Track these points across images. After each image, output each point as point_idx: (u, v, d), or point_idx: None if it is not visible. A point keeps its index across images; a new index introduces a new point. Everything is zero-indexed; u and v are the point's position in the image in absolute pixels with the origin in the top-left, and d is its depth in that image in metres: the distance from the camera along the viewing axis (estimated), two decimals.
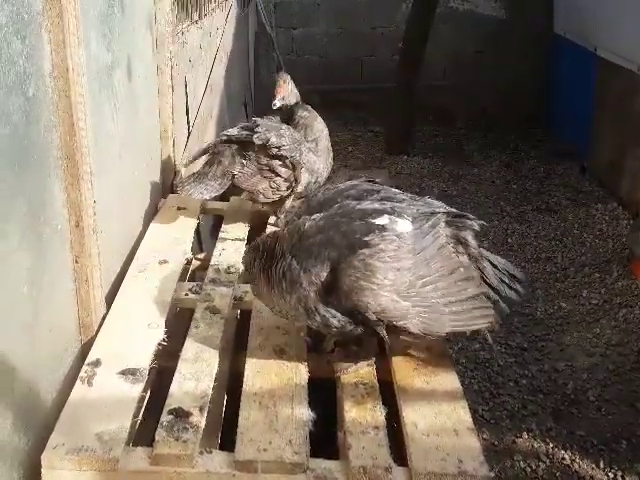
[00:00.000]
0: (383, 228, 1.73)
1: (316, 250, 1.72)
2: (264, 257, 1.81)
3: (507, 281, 1.89)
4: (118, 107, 2.33)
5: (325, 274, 1.71)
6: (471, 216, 1.94)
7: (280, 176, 2.68)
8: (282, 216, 2.80)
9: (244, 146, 2.68)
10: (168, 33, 3.01)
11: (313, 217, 1.82)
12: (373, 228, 1.73)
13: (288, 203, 2.79)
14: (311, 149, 2.80)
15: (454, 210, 1.93)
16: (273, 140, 2.65)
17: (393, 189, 1.97)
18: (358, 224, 1.75)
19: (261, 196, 2.71)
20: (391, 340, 1.90)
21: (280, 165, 2.67)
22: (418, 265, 1.74)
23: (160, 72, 2.97)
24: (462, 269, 1.81)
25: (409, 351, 1.97)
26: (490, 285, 1.86)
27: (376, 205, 1.82)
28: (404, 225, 1.77)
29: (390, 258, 1.70)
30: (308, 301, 1.73)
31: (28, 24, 1.57)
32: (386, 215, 1.77)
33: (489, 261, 1.89)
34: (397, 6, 7.81)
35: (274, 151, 2.65)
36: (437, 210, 1.88)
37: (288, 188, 2.72)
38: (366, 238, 1.71)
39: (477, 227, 1.90)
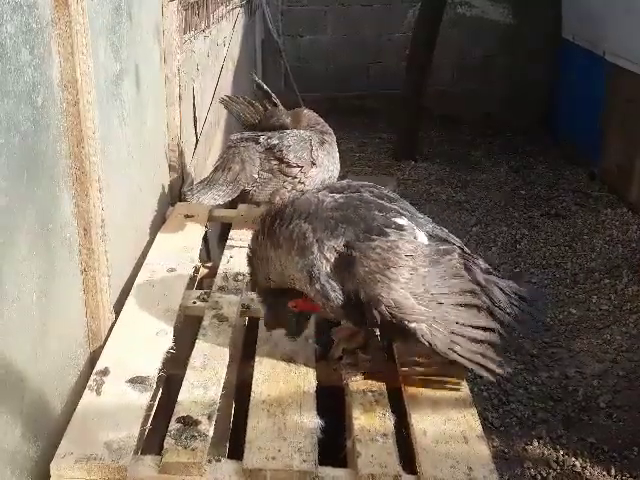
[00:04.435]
0: (401, 227, 1.72)
1: (332, 224, 1.70)
2: (272, 218, 1.77)
3: (517, 304, 1.85)
4: (126, 116, 2.34)
5: (337, 249, 1.69)
6: (481, 259, 1.91)
7: (290, 176, 2.70)
8: None
9: (252, 152, 2.70)
10: (176, 42, 3.03)
11: (333, 194, 1.81)
12: (391, 224, 1.71)
13: None
14: (324, 145, 2.81)
15: (467, 249, 1.89)
16: (275, 142, 2.67)
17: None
18: (377, 214, 1.73)
19: (277, 198, 2.73)
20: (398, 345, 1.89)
21: (287, 166, 2.69)
22: (432, 277, 1.70)
23: (168, 81, 2.99)
24: (474, 294, 1.77)
25: (417, 358, 1.96)
26: (501, 309, 1.82)
27: (395, 207, 1.81)
28: (421, 237, 1.75)
29: (407, 257, 1.67)
30: (314, 269, 1.69)
31: (37, 34, 1.58)
32: (405, 218, 1.76)
33: (497, 286, 1.84)
34: (404, 13, 7.83)
35: (278, 154, 2.67)
36: (451, 240, 1.85)
37: (300, 182, 2.73)
38: (385, 229, 1.69)
39: (483, 265, 1.86)
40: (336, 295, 1.70)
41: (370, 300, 1.67)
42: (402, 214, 1.78)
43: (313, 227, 1.71)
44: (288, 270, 1.76)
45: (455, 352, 1.70)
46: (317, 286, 1.70)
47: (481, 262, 1.87)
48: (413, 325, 1.67)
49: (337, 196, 1.80)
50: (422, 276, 1.69)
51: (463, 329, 1.73)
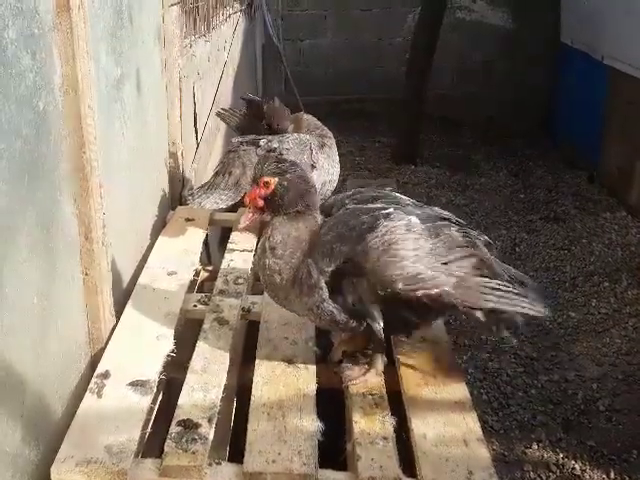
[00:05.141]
0: (389, 215, 1.73)
1: (328, 249, 1.73)
2: (299, 254, 1.79)
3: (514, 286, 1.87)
4: (127, 120, 2.35)
5: (337, 269, 1.71)
6: (474, 231, 1.93)
7: None
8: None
9: (253, 156, 2.70)
10: (176, 46, 3.04)
11: (327, 219, 1.84)
12: (379, 216, 1.73)
13: None
14: (323, 148, 2.81)
15: (461, 221, 1.92)
16: (275, 145, 2.68)
17: (398, 194, 1.97)
18: (365, 217, 1.75)
19: None
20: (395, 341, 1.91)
21: None
22: (439, 249, 1.71)
23: (169, 85, 3.00)
24: (482, 263, 1.77)
25: (418, 361, 1.96)
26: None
27: (380, 205, 1.83)
28: (412, 218, 1.76)
29: (405, 231, 1.69)
30: (323, 304, 1.75)
31: (38, 39, 1.59)
32: (392, 208, 1.77)
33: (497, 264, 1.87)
34: (403, 17, 7.85)
35: (278, 157, 2.67)
36: (445, 216, 1.88)
37: None
38: (375, 222, 1.71)
39: (482, 238, 1.88)
40: (342, 317, 1.77)
41: (387, 285, 1.67)
42: (387, 209, 1.80)
43: (314, 259, 1.74)
44: (297, 311, 1.85)
45: (490, 301, 1.71)
46: (328, 318, 1.78)
47: (478, 235, 1.88)
48: (436, 291, 1.68)
49: (329, 219, 1.83)
50: (428, 248, 1.70)
51: (487, 284, 1.73)
